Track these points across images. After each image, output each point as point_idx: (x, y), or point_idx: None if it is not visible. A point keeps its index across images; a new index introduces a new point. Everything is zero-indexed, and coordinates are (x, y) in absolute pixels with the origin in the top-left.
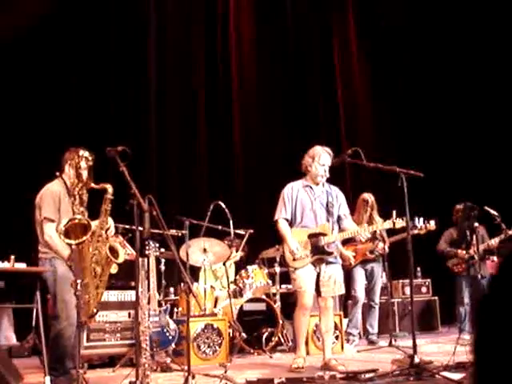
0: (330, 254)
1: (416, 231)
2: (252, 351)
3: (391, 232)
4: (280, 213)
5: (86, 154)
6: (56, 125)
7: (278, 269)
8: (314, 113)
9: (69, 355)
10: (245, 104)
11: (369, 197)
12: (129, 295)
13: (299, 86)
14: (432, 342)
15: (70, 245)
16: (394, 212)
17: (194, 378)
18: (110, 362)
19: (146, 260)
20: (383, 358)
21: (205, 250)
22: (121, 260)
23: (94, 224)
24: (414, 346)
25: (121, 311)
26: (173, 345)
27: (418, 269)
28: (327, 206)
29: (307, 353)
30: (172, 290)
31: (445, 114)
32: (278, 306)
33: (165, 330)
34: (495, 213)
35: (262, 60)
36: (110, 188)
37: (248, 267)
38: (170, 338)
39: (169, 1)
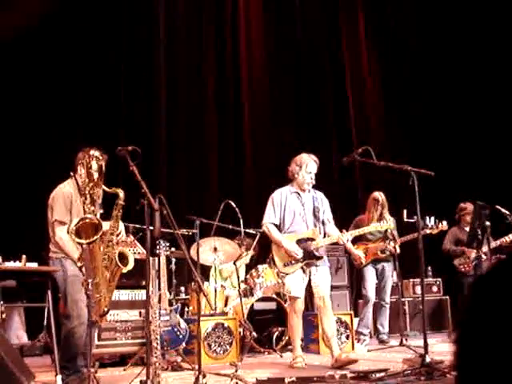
0: (320, 258)
1: (428, 231)
2: (262, 350)
3: (402, 231)
4: (269, 217)
5: (97, 153)
6: (66, 125)
7: None
8: (323, 113)
9: (80, 354)
10: (255, 105)
11: (379, 195)
12: (140, 294)
13: (309, 86)
14: (443, 341)
15: (81, 244)
16: (405, 211)
17: (204, 377)
18: (121, 360)
19: (156, 259)
20: (394, 358)
21: (215, 249)
22: (129, 268)
23: (105, 224)
24: (425, 345)
25: (132, 310)
26: (183, 344)
27: (429, 268)
28: (314, 211)
29: (318, 352)
30: (183, 289)
31: (455, 114)
32: (288, 305)
33: (175, 329)
34: (507, 212)
35: (272, 63)
36: (121, 193)
37: (258, 266)
38: (181, 337)
39: None
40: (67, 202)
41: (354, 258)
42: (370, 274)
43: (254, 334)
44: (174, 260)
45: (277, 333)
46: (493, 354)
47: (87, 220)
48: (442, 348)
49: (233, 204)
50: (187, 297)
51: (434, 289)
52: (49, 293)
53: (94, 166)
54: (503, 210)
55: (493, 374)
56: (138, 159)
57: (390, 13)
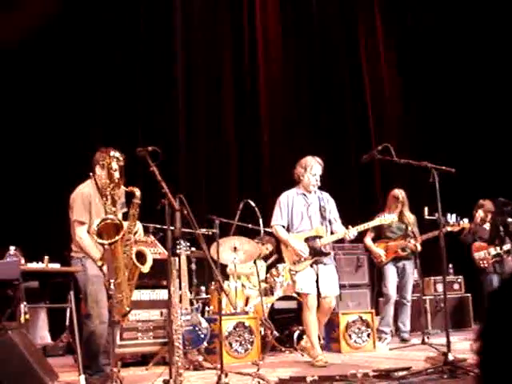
0: (327, 254)
1: (449, 228)
2: (283, 349)
3: (424, 229)
4: (276, 219)
5: (117, 154)
6: (88, 126)
7: None
8: (341, 112)
9: (102, 353)
10: (273, 105)
11: (399, 193)
12: (160, 294)
13: (326, 85)
14: (465, 339)
15: (102, 245)
16: (426, 208)
17: (226, 376)
18: (143, 360)
19: (177, 259)
20: (416, 356)
21: (235, 249)
22: (147, 266)
23: (124, 224)
24: (448, 343)
25: (153, 310)
26: (205, 343)
27: (450, 266)
28: (321, 210)
29: (339, 351)
30: (203, 288)
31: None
32: None
33: (197, 329)
34: None
35: (288, 61)
36: (137, 192)
37: (278, 265)
38: (202, 336)
39: None
40: (86, 202)
41: (375, 256)
42: (390, 272)
43: (276, 332)
44: (194, 260)
45: (298, 332)
46: None
47: (108, 221)
48: (463, 346)
49: (252, 203)
50: (207, 296)
51: (456, 286)
52: (71, 293)
53: (115, 166)
54: None
55: None
56: (158, 159)
57: (408, 11)
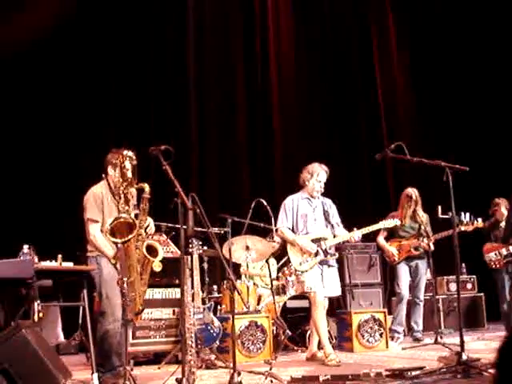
0: (333, 255)
1: (463, 228)
2: (295, 348)
3: (437, 228)
4: (282, 222)
5: (130, 153)
6: (101, 126)
7: None
8: (354, 112)
9: (115, 352)
10: (284, 105)
11: (413, 192)
12: (172, 293)
13: (339, 86)
14: (478, 339)
15: (116, 243)
16: (440, 207)
17: (239, 374)
18: (155, 358)
19: (189, 258)
20: (429, 356)
21: (247, 248)
22: (159, 258)
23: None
24: (462, 343)
25: (165, 308)
26: (217, 342)
27: (463, 265)
28: (324, 214)
29: (351, 350)
30: (215, 287)
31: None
32: None
33: (209, 327)
34: None
35: (300, 60)
36: (146, 187)
37: (290, 264)
38: (215, 335)
39: None
40: (98, 201)
41: (388, 255)
42: (403, 272)
43: (288, 331)
44: (206, 258)
45: (310, 331)
46: None
47: (121, 219)
48: (476, 345)
49: (264, 202)
50: (220, 295)
51: (469, 286)
52: (84, 292)
53: (128, 165)
54: None
55: None
56: (171, 158)
57: (420, 11)
